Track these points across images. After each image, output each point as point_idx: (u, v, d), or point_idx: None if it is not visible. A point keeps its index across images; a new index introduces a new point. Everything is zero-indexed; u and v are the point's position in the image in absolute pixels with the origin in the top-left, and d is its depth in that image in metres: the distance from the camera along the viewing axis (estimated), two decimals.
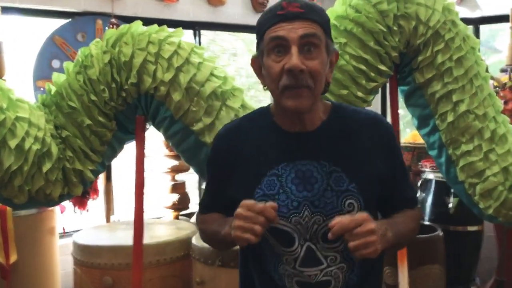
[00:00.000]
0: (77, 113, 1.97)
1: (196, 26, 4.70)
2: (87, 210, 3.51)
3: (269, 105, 1.44)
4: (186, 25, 4.64)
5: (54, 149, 1.92)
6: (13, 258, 3.01)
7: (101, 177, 3.72)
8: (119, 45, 1.97)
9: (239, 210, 1.20)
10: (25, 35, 4.20)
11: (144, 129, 2.10)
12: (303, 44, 1.24)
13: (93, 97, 1.96)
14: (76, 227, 4.02)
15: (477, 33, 4.75)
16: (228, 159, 1.39)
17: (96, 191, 3.56)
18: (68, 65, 2.03)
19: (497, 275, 3.50)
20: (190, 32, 4.74)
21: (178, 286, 2.90)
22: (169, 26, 4.64)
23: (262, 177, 1.33)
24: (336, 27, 2.19)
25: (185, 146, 2.05)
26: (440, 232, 3.02)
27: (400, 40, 2.18)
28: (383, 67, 2.19)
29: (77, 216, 3.58)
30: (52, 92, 2.02)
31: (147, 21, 4.40)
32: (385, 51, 2.18)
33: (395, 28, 2.16)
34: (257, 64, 1.36)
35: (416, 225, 1.45)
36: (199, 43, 4.75)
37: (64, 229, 3.67)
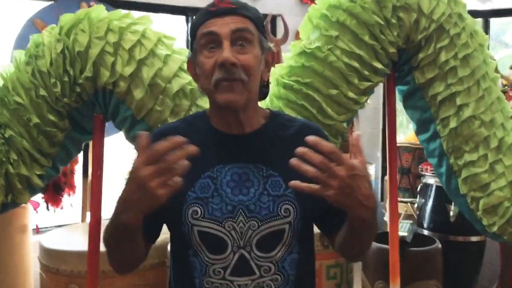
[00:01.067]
0: (24, 110, 1.73)
1: (189, 12, 4.47)
2: (62, 208, 3.29)
3: (205, 110, 1.41)
4: (178, 10, 4.43)
5: None
6: None
7: (79, 171, 3.49)
8: (74, 33, 1.72)
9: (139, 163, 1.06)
10: (3, 17, 3.98)
11: (103, 129, 1.85)
12: (235, 38, 1.22)
13: (42, 92, 1.72)
14: (54, 222, 3.84)
15: (487, 26, 4.55)
16: None
17: (72, 187, 3.34)
18: (19, 54, 1.79)
19: (499, 284, 3.28)
20: (182, 18, 4.51)
21: None
22: (159, 11, 4.41)
23: (195, 180, 1.26)
24: (327, 18, 1.94)
25: None
26: (438, 244, 2.77)
27: (399, 35, 1.93)
28: (378, 65, 1.94)
29: (55, 212, 3.37)
30: (0, 86, 1.78)
31: (136, 6, 4.20)
32: (381, 46, 1.93)
33: (393, 20, 1.91)
34: (193, 67, 1.32)
35: (376, 228, 1.29)
36: None
37: (37, 226, 3.46)
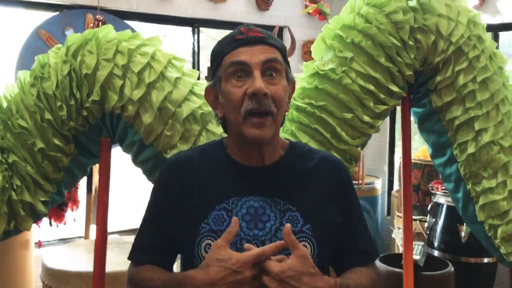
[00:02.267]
0: (28, 134, 1.66)
1: (195, 23, 4.44)
2: (65, 223, 3.23)
3: (221, 138, 1.38)
4: (184, 22, 4.40)
5: None
6: None
7: (83, 186, 3.43)
8: (81, 54, 1.65)
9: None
10: (9, 28, 3.94)
11: (109, 153, 1.78)
12: (265, 69, 1.20)
13: (48, 116, 1.65)
14: (56, 236, 3.79)
15: (496, 40, 4.50)
16: (177, 192, 1.28)
17: (76, 202, 3.28)
18: (24, 74, 1.72)
19: None
20: (188, 30, 4.47)
21: None
22: (166, 23, 4.36)
23: (209, 211, 1.22)
24: (341, 39, 1.88)
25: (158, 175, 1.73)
26: (451, 268, 2.70)
27: (416, 57, 1.86)
28: (395, 88, 1.87)
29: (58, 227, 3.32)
30: (4, 107, 1.71)
31: (142, 17, 4.15)
32: (398, 69, 1.86)
33: (410, 42, 1.84)
34: (212, 94, 1.29)
35: (370, 285, 1.32)
36: (198, 41, 4.46)
37: (40, 241, 3.40)
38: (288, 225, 1.14)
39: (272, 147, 1.28)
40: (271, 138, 1.23)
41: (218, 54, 1.25)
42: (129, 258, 1.33)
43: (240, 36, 1.22)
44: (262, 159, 1.27)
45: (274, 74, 1.21)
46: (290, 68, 1.29)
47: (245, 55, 1.20)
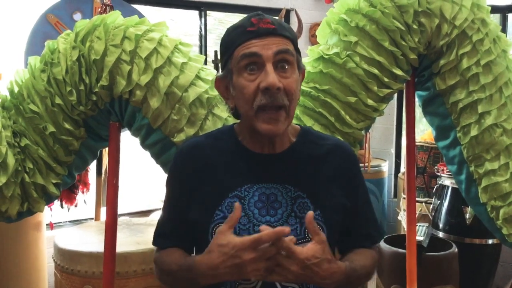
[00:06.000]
0: (40, 118, 1.71)
1: (202, 7, 4.42)
2: (76, 205, 3.29)
3: (233, 124, 1.38)
4: (191, 5, 4.39)
5: (11, 160, 1.66)
6: None
7: (93, 169, 3.48)
8: (90, 40, 1.68)
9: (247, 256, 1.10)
10: (17, 12, 3.96)
11: (118, 137, 1.82)
12: (277, 61, 1.20)
13: (58, 100, 1.69)
14: (67, 217, 3.85)
15: (504, 22, 4.45)
16: (190, 179, 1.30)
17: (86, 185, 3.33)
18: (35, 60, 1.76)
19: None
20: (195, 13, 4.47)
21: None
22: (172, 6, 4.37)
23: (223, 199, 1.25)
24: (346, 23, 1.90)
25: (165, 159, 1.77)
26: (455, 249, 2.74)
27: (420, 41, 1.88)
28: (398, 71, 1.89)
29: (69, 210, 3.37)
30: (15, 92, 1.76)
31: (149, 1, 4.16)
32: (402, 52, 1.88)
33: (415, 26, 1.86)
34: (223, 84, 1.29)
35: (372, 269, 1.36)
36: (205, 25, 4.46)
37: (51, 223, 3.47)
38: (310, 213, 1.14)
39: (283, 136, 1.30)
40: (283, 132, 1.25)
41: (229, 45, 1.23)
42: (153, 244, 1.38)
43: (252, 28, 1.20)
44: (273, 147, 1.29)
45: (286, 67, 1.20)
46: (301, 56, 1.29)
47: (257, 47, 1.18)
